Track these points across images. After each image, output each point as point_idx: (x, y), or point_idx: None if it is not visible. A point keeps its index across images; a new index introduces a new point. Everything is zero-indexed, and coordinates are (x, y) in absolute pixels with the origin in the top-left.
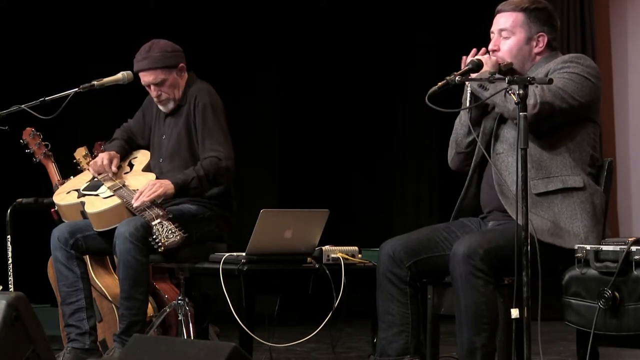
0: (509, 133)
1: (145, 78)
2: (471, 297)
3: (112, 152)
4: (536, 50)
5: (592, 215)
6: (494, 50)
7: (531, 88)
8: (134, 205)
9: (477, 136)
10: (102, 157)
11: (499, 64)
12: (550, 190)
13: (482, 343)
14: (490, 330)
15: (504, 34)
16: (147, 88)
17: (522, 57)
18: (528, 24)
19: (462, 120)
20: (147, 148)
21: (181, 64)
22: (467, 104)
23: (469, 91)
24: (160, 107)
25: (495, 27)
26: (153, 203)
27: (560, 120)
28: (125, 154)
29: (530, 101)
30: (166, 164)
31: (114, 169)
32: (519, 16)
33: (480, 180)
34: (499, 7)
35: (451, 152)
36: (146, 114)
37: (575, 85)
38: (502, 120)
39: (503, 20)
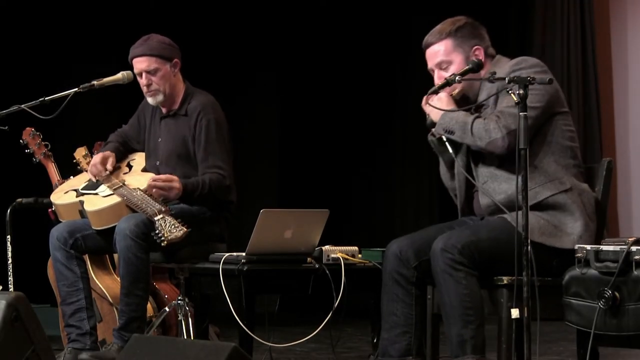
0: (483, 165)
1: (139, 65)
2: (454, 291)
3: (106, 152)
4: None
5: (583, 213)
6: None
7: (490, 124)
8: (147, 184)
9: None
10: (95, 159)
11: (451, 95)
12: (539, 200)
13: (470, 335)
14: (476, 322)
15: (443, 65)
16: (138, 78)
17: (472, 78)
18: (460, 46)
19: (443, 170)
20: (143, 152)
21: (176, 59)
22: (437, 150)
23: (432, 139)
24: (149, 99)
25: (431, 64)
26: (156, 200)
27: (531, 134)
28: (120, 156)
29: (498, 135)
30: (163, 166)
31: (109, 167)
32: (447, 43)
33: (471, 200)
34: (425, 41)
35: (455, 200)
36: (141, 118)
37: (530, 93)
38: (474, 155)
39: (435, 53)
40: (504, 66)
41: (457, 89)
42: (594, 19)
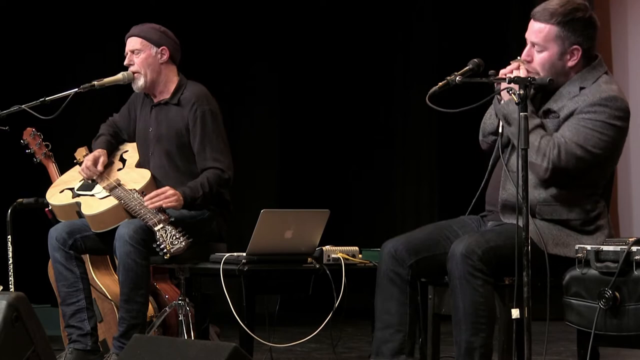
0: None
1: (127, 46)
2: (469, 297)
3: (97, 152)
4: (570, 64)
5: (596, 232)
6: (527, 61)
7: (546, 149)
8: (149, 207)
9: (499, 139)
10: (86, 162)
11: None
12: (555, 218)
13: (480, 343)
14: (487, 331)
15: (536, 47)
16: (125, 57)
17: (554, 71)
18: (561, 38)
19: (493, 117)
20: (132, 142)
21: (164, 47)
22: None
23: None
24: (132, 85)
25: (528, 35)
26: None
27: (574, 174)
28: (112, 149)
29: (543, 164)
30: (155, 157)
31: (100, 167)
32: (552, 30)
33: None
34: (534, 11)
35: (480, 136)
36: (131, 109)
37: (597, 137)
38: None
39: (536, 32)
40: (592, 84)
41: (540, 73)
42: (594, 10)
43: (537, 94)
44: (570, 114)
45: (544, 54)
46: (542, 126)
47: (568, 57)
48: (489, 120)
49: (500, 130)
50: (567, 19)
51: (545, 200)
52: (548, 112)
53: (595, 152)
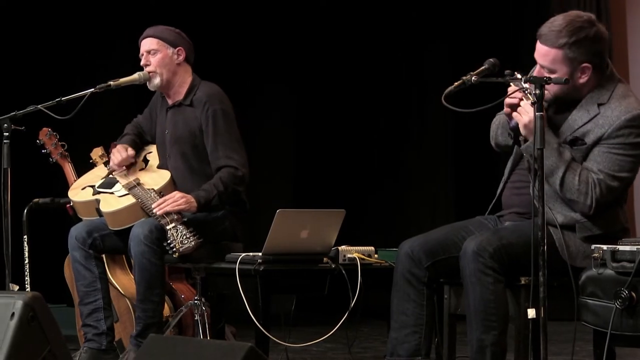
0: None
1: (142, 47)
2: (480, 295)
3: (122, 145)
4: (581, 81)
5: (622, 234)
6: None
7: (586, 187)
8: (155, 213)
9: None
10: (118, 151)
11: (546, 110)
12: (594, 234)
13: (491, 341)
14: (499, 329)
15: (545, 70)
16: (141, 58)
17: (566, 90)
18: (569, 59)
19: (505, 135)
20: (154, 144)
21: (180, 48)
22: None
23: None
24: (147, 85)
25: (537, 58)
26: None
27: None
28: (137, 149)
29: (587, 203)
30: (172, 159)
31: (131, 153)
32: (558, 53)
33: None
34: (540, 32)
35: (492, 141)
36: (152, 111)
37: (628, 160)
38: None
39: (542, 55)
40: (610, 99)
41: (550, 96)
42: (610, 17)
43: (553, 117)
44: (598, 140)
45: (554, 76)
46: (574, 159)
47: (579, 74)
48: (501, 137)
49: (527, 166)
50: (572, 40)
51: (582, 219)
52: (575, 141)
53: (629, 175)
